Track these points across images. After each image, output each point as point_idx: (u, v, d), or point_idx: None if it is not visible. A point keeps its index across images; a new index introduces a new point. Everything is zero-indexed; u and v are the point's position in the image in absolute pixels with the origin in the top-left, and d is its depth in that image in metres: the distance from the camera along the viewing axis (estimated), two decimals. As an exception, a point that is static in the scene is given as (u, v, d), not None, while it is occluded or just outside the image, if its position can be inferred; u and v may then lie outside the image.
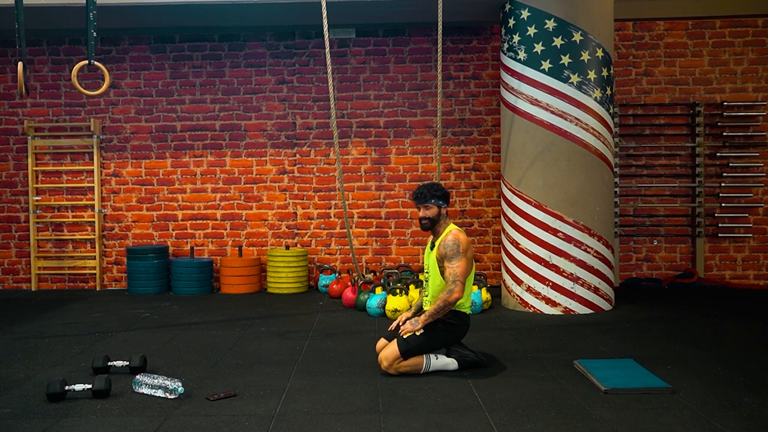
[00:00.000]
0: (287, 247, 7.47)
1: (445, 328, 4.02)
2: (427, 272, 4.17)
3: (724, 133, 7.42)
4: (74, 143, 7.62)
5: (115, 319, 5.81)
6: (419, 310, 4.23)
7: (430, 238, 4.24)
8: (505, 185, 6.28)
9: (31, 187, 7.52)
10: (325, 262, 7.58)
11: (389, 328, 4.22)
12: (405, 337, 3.94)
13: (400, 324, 4.15)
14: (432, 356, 4.02)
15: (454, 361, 4.05)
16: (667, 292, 7.02)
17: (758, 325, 5.46)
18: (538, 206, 5.94)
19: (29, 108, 7.64)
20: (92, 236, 7.60)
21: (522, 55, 6.02)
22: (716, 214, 7.49)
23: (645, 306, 6.27)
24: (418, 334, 3.94)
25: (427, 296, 4.16)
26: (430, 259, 4.14)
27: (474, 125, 7.54)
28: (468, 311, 4.12)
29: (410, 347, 3.93)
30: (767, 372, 4.00)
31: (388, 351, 3.96)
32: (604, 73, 6.00)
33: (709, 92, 7.52)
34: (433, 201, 4.08)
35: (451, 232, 4.04)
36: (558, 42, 5.89)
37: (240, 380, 3.91)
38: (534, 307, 6.00)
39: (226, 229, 7.65)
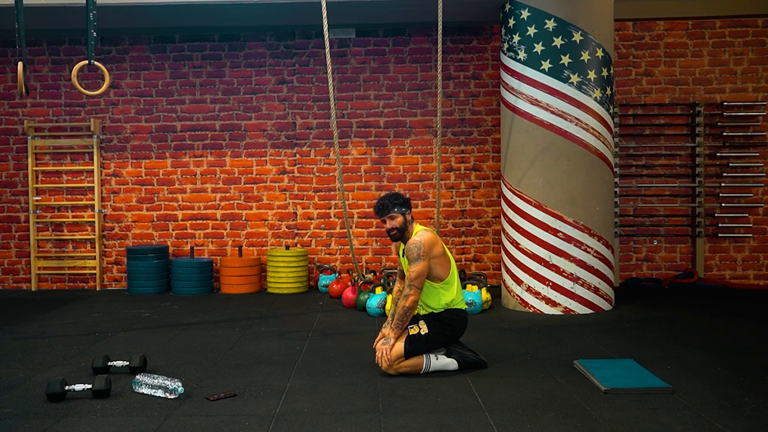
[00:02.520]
0: (287, 247, 7.47)
1: (444, 328, 4.02)
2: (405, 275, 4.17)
3: (724, 133, 7.42)
4: (74, 143, 7.62)
5: (115, 319, 5.81)
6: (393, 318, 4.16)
7: (399, 245, 4.21)
8: (505, 185, 6.28)
9: (31, 187, 7.52)
10: (325, 262, 7.58)
11: (375, 344, 4.17)
12: (409, 333, 3.94)
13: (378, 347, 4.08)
14: (432, 356, 4.02)
15: (454, 361, 4.05)
16: (667, 292, 7.02)
17: (758, 325, 5.45)
18: (538, 206, 5.94)
19: (29, 108, 7.64)
20: (92, 236, 7.60)
21: (522, 55, 6.02)
22: (716, 214, 7.49)
23: (645, 306, 6.26)
24: (422, 333, 3.94)
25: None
26: (404, 263, 4.13)
27: (474, 125, 7.54)
28: (463, 306, 4.11)
29: (413, 347, 3.94)
30: (767, 372, 4.00)
31: (385, 359, 3.95)
32: (604, 73, 6.00)
33: (709, 92, 7.52)
34: (396, 210, 4.04)
35: (416, 233, 4.03)
36: (558, 42, 5.89)
37: (240, 380, 3.91)
38: (534, 307, 6.00)
39: (226, 229, 7.65)
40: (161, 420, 3.25)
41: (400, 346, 3.93)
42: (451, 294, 4.06)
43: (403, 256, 4.13)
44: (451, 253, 7.48)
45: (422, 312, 4.11)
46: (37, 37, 7.49)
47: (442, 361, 4.03)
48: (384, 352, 3.93)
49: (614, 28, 6.62)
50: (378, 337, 4.15)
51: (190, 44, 7.63)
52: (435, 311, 4.06)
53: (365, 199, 7.54)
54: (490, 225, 7.56)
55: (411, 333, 3.96)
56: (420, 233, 4.02)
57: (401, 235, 4.08)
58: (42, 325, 5.60)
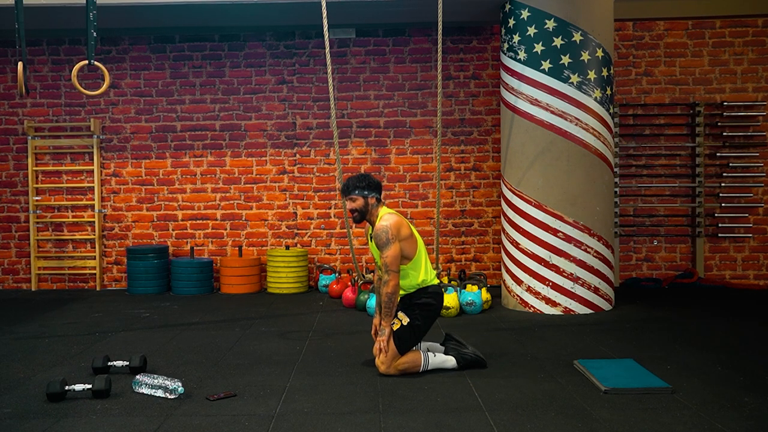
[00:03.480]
0: (287, 247, 7.47)
1: (423, 310, 4.01)
2: (377, 262, 4.17)
3: (724, 133, 7.42)
4: (74, 143, 7.62)
5: (115, 319, 5.81)
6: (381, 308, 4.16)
7: (368, 228, 4.21)
8: (505, 185, 6.28)
9: (31, 187, 7.52)
10: (325, 262, 7.58)
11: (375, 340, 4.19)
12: (394, 329, 3.94)
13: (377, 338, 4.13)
14: (430, 354, 4.04)
15: (452, 358, 4.06)
16: (667, 292, 7.02)
17: (758, 325, 5.45)
18: (538, 206, 5.94)
19: (29, 108, 7.64)
20: (92, 236, 7.60)
21: (522, 55, 6.02)
22: (716, 214, 7.49)
23: (645, 306, 6.26)
24: (405, 323, 3.93)
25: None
26: (373, 249, 4.13)
27: (474, 125, 7.54)
28: (435, 282, 4.10)
29: (402, 341, 3.92)
30: (767, 372, 4.00)
31: (382, 356, 3.95)
32: (604, 73, 6.00)
33: (709, 92, 7.52)
34: (357, 192, 4.06)
35: (381, 218, 4.02)
36: (558, 42, 5.89)
37: (240, 380, 3.91)
38: (534, 307, 6.00)
39: (226, 229, 7.65)
40: (161, 420, 3.25)
41: (391, 346, 3.93)
42: (420, 272, 4.04)
43: (371, 240, 4.13)
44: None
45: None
46: (37, 37, 7.49)
47: (439, 359, 4.05)
48: (381, 343, 3.93)
49: (614, 28, 6.62)
50: (372, 330, 4.20)
51: (190, 44, 7.63)
52: (408, 292, 4.05)
53: (365, 199, 7.53)
54: (490, 225, 7.56)
55: (394, 329, 3.95)
56: (385, 217, 4.01)
57: (362, 217, 4.10)
58: (42, 325, 5.60)
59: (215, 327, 5.49)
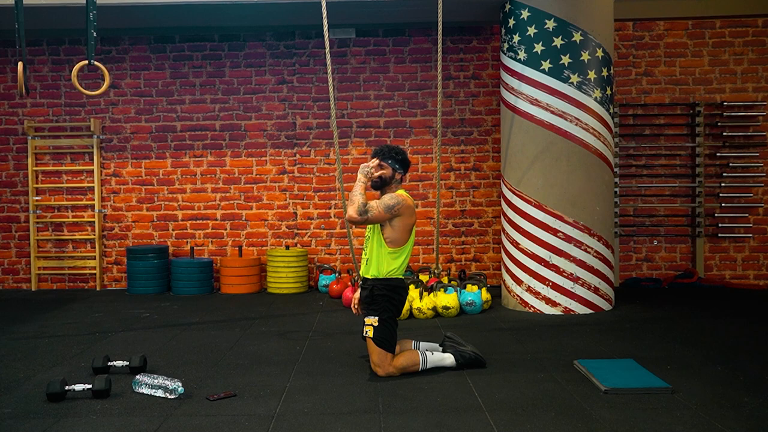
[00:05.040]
0: (287, 247, 7.47)
1: (386, 301, 3.98)
2: (368, 232, 4.16)
3: (724, 133, 7.42)
4: (74, 143, 7.62)
5: (115, 319, 5.81)
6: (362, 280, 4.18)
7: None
8: (505, 185, 6.28)
9: (31, 187, 7.52)
10: (325, 262, 7.58)
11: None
12: (370, 335, 3.93)
13: (357, 308, 4.23)
14: (428, 353, 4.05)
15: (451, 355, 4.07)
16: (667, 292, 7.02)
17: (758, 325, 5.45)
18: (538, 206, 5.94)
19: (29, 108, 7.64)
20: (92, 236, 7.60)
21: (522, 55, 6.02)
22: (716, 214, 7.49)
23: (645, 306, 6.26)
24: (376, 325, 3.93)
25: (365, 255, 4.14)
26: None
27: (474, 125, 7.54)
28: (400, 276, 4.08)
29: (382, 340, 3.91)
30: (767, 372, 4.00)
31: (374, 357, 3.94)
32: (604, 73, 6.00)
33: (709, 92, 7.52)
34: (390, 162, 4.09)
35: (398, 193, 4.04)
36: (558, 42, 5.90)
37: (240, 380, 3.91)
38: (534, 307, 6.00)
39: (226, 229, 7.65)
40: (161, 420, 3.25)
41: (375, 352, 3.92)
42: (396, 263, 4.01)
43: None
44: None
45: (365, 267, 4.10)
46: (37, 37, 7.49)
47: (437, 356, 4.06)
48: (353, 301, 4.19)
49: (614, 28, 6.62)
50: (352, 303, 4.25)
51: (190, 44, 7.63)
52: (374, 277, 4.02)
53: (365, 199, 7.53)
54: (490, 225, 7.55)
55: (370, 335, 3.93)
56: (403, 195, 4.02)
57: (381, 185, 4.11)
58: (42, 325, 5.60)
59: (215, 327, 5.49)
